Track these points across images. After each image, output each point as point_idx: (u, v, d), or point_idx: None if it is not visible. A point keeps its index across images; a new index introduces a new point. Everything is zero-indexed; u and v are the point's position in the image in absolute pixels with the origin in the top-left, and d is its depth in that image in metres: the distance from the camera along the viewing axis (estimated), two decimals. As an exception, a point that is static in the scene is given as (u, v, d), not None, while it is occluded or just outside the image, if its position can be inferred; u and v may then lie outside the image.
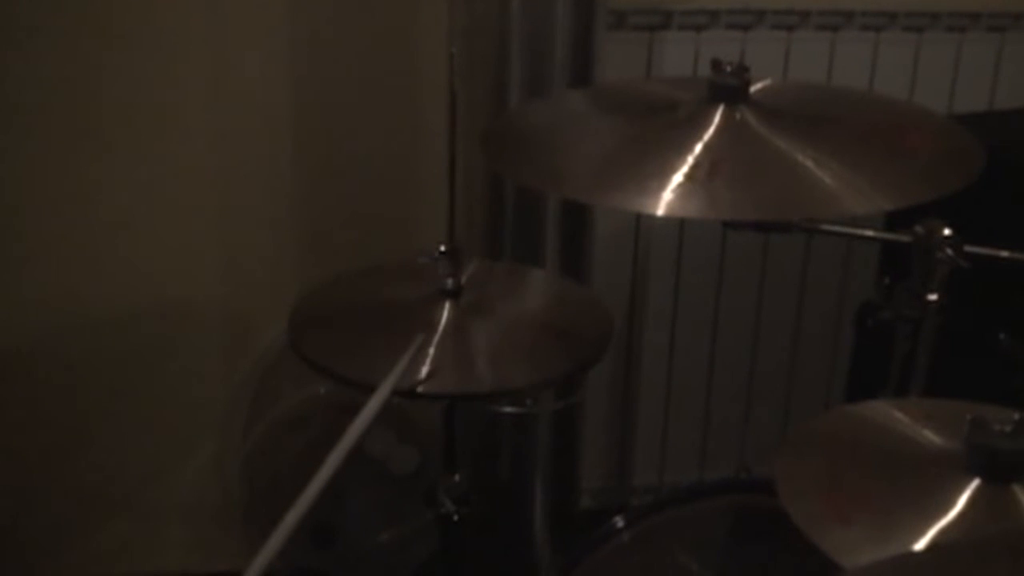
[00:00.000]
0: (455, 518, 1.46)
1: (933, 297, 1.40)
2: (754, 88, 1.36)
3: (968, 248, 1.39)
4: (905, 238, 1.41)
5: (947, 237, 1.38)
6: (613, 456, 2.46)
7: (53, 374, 2.04)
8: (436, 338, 1.34)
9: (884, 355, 1.47)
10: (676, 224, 2.25)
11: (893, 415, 1.14)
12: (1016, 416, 1.02)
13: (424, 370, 1.28)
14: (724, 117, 1.31)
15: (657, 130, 1.35)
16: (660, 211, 1.20)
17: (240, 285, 2.10)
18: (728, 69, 1.34)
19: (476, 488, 1.48)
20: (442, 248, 1.38)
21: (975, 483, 1.01)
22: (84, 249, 1.98)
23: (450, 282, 1.39)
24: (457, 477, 1.47)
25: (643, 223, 2.26)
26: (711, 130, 1.30)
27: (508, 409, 2.00)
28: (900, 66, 2.25)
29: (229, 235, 2.07)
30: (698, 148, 1.27)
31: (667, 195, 1.21)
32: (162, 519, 2.19)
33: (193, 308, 2.10)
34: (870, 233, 1.57)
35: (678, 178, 1.23)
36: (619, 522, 1.51)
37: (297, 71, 2.04)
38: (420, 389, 1.27)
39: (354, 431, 1.12)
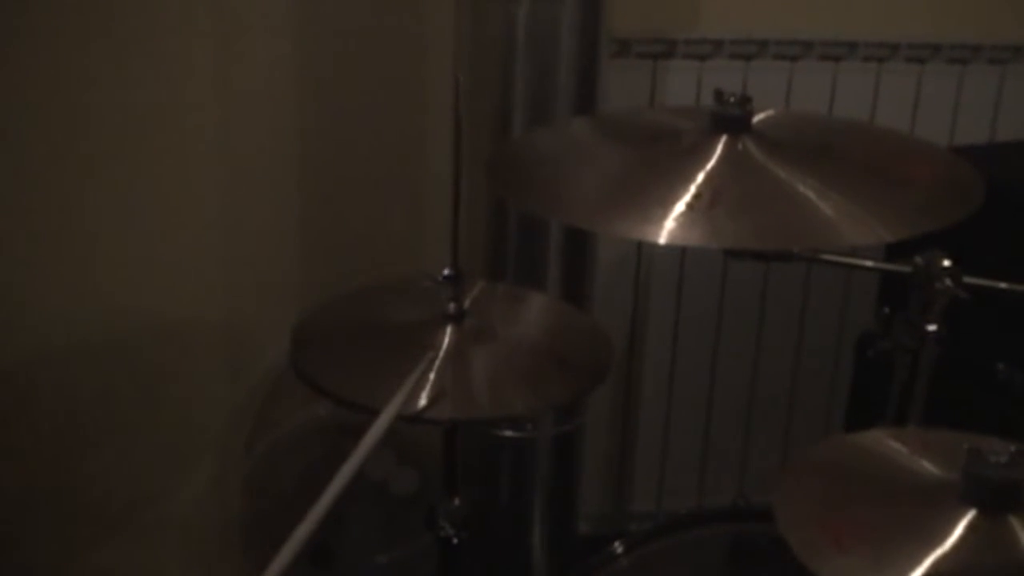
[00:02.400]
0: (454, 541, 1.47)
1: (932, 327, 1.41)
2: (756, 118, 1.37)
3: (967, 279, 1.40)
4: (905, 269, 1.41)
5: (946, 268, 1.39)
6: (612, 482, 2.47)
7: (52, 393, 2.03)
8: (438, 362, 1.34)
9: (883, 384, 1.48)
10: (677, 251, 2.26)
11: (890, 445, 1.15)
12: (1012, 447, 1.02)
13: (426, 395, 1.29)
14: (726, 147, 1.32)
15: (660, 159, 1.36)
16: (662, 239, 1.21)
17: (243, 304, 2.11)
18: (731, 100, 1.35)
19: (475, 512, 1.49)
20: (446, 272, 1.39)
21: (971, 513, 1.02)
22: (83, 266, 1.98)
23: (452, 306, 1.40)
24: (457, 500, 1.48)
25: (645, 250, 2.27)
26: (713, 160, 1.31)
27: (508, 433, 2.00)
28: (902, 97, 2.26)
29: (232, 254, 2.08)
30: (700, 177, 1.28)
31: (669, 223, 1.22)
32: (162, 538, 2.19)
33: (195, 327, 2.10)
34: (869, 263, 1.58)
35: (680, 206, 1.24)
36: (618, 548, 1.52)
37: (303, 93, 2.05)
38: (423, 415, 1.27)
39: (357, 457, 1.12)
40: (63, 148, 1.90)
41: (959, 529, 1.01)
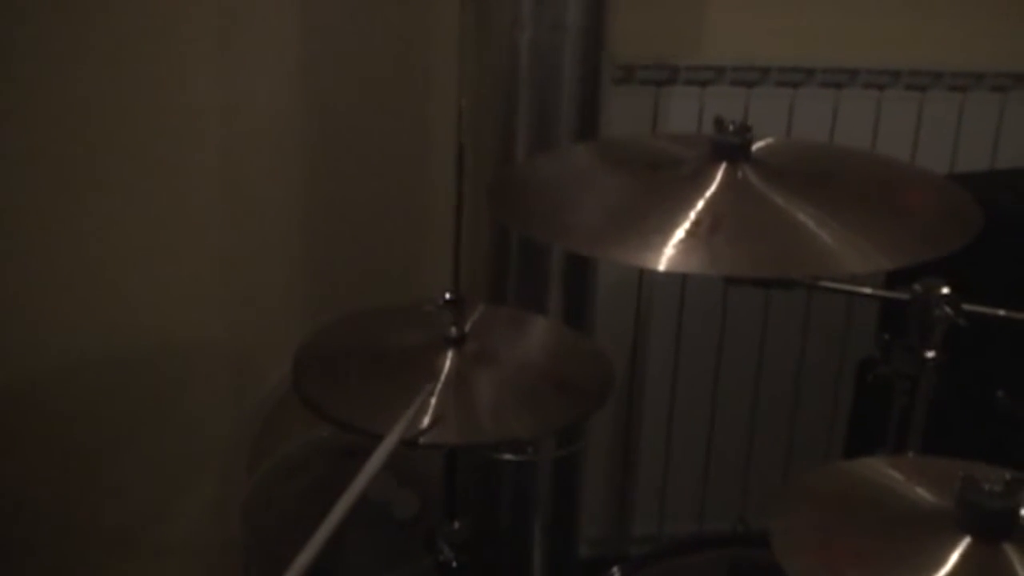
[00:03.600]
0: (454, 565, 1.47)
1: (931, 354, 1.41)
2: (756, 146, 1.38)
3: (966, 306, 1.40)
4: (903, 296, 1.42)
5: (945, 295, 1.39)
6: (612, 505, 2.47)
7: (52, 414, 2.03)
8: (439, 386, 1.35)
9: (883, 410, 1.49)
10: (678, 277, 2.27)
11: (887, 472, 1.16)
12: (1007, 475, 1.03)
13: (427, 419, 1.30)
14: (726, 175, 1.33)
15: (660, 186, 1.37)
16: (662, 266, 1.22)
17: (245, 326, 2.11)
18: (731, 128, 1.36)
19: (476, 535, 1.49)
20: (447, 296, 1.40)
21: (966, 541, 1.02)
22: (85, 287, 1.98)
23: (454, 330, 1.41)
24: (457, 524, 1.48)
25: (646, 275, 2.28)
26: (713, 187, 1.32)
27: (509, 456, 2.01)
28: (903, 124, 2.27)
29: (234, 277, 2.08)
30: (700, 204, 1.29)
31: (669, 250, 1.23)
32: (163, 559, 2.19)
33: (197, 348, 2.10)
34: (868, 291, 1.59)
35: (680, 233, 1.25)
36: (616, 573, 1.52)
37: (307, 117, 2.06)
38: (422, 440, 1.28)
39: (358, 484, 1.13)
40: (65, 167, 1.90)
41: (954, 557, 1.01)
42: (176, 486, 2.18)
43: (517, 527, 2.10)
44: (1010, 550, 1.01)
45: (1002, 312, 1.46)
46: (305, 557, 1.03)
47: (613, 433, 2.40)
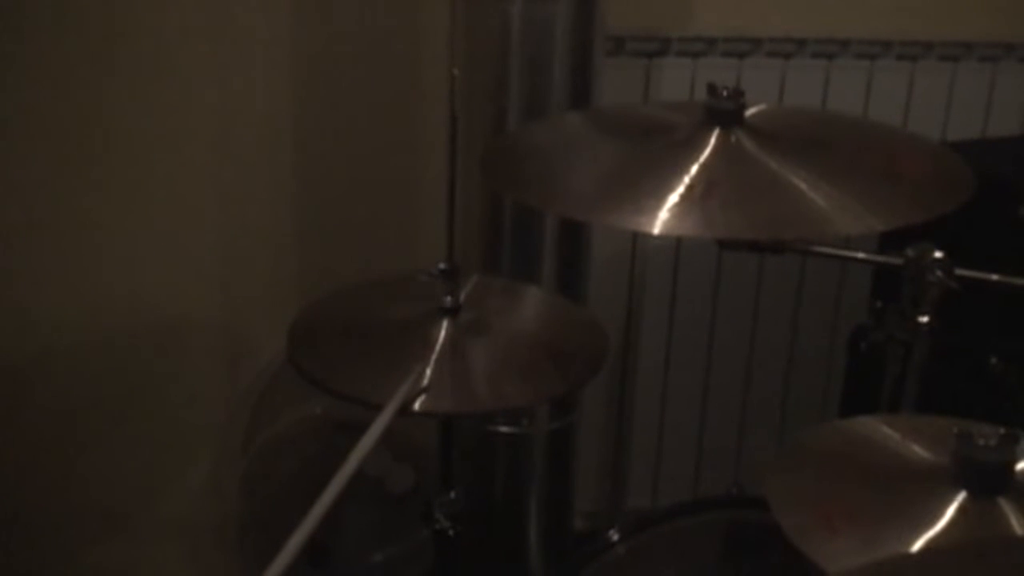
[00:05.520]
0: (451, 534, 1.47)
1: (924, 319, 1.42)
2: (749, 112, 1.39)
3: (958, 271, 1.41)
4: (896, 261, 1.42)
5: (938, 260, 1.40)
6: (607, 478, 2.47)
7: (48, 391, 2.04)
8: (434, 356, 1.35)
9: (877, 376, 1.49)
10: (672, 246, 2.27)
11: (882, 430, 1.17)
12: (1001, 430, 1.04)
13: (421, 388, 1.30)
14: (720, 140, 1.34)
15: (654, 151, 1.38)
16: (656, 230, 1.23)
17: (239, 301, 2.11)
18: (724, 93, 1.37)
19: (471, 508, 1.49)
20: (441, 266, 1.40)
21: (961, 495, 1.03)
22: (81, 266, 1.98)
23: (448, 300, 1.41)
24: (453, 494, 1.48)
25: (639, 245, 2.28)
26: (707, 152, 1.32)
27: (503, 428, 2.01)
28: (894, 94, 2.27)
29: (229, 251, 2.08)
30: (694, 169, 1.29)
31: (663, 214, 1.23)
32: (159, 537, 2.20)
33: (192, 324, 2.10)
34: (862, 255, 1.59)
35: (674, 198, 1.25)
36: (614, 536, 1.53)
37: (299, 90, 2.06)
38: (417, 407, 1.28)
39: (355, 457, 1.13)
40: (62, 147, 1.90)
41: (950, 511, 1.02)
42: (172, 464, 2.18)
43: (512, 500, 2.10)
44: (1005, 504, 1.02)
45: (995, 277, 1.46)
46: (302, 533, 1.03)
47: (607, 405, 2.40)
